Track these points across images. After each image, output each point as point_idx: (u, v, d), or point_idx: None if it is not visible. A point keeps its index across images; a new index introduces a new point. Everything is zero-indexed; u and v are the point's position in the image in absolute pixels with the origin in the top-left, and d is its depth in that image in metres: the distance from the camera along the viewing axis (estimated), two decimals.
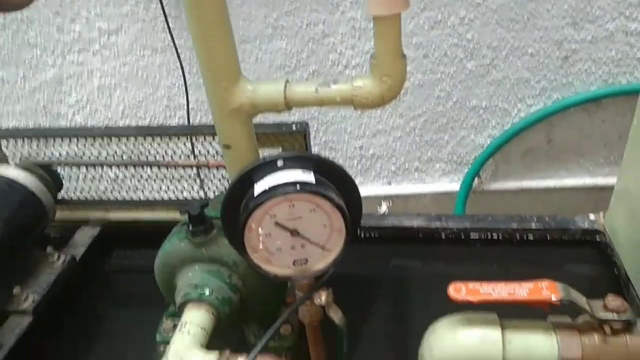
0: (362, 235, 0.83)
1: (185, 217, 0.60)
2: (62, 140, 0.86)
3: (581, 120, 1.36)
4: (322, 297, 0.56)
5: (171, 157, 0.83)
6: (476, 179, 1.46)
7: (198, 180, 0.90)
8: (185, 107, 1.39)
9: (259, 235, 0.51)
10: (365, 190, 1.51)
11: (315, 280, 0.56)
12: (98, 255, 0.89)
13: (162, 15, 1.27)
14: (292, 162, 0.51)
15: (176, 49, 1.28)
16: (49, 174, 0.83)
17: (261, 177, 0.51)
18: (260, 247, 0.52)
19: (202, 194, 0.90)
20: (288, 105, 0.48)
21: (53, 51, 1.39)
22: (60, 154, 0.85)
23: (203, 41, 0.44)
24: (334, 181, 0.52)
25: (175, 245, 0.61)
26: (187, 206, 0.57)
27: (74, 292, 0.83)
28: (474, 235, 0.82)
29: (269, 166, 0.51)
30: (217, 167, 0.79)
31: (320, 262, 0.53)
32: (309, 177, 0.50)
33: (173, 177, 0.88)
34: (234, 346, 0.55)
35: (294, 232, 0.51)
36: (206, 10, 0.43)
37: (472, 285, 0.56)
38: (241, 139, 0.50)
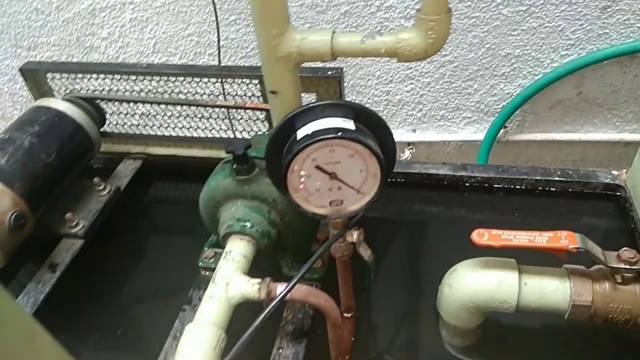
0: (389, 180, 0.87)
1: (229, 156, 0.64)
2: (104, 76, 0.90)
3: (613, 73, 1.34)
4: (354, 235, 0.61)
5: (209, 96, 0.86)
6: (502, 129, 1.47)
7: (227, 121, 0.93)
8: (216, 44, 1.40)
9: (300, 177, 0.55)
10: None
11: (348, 219, 0.61)
12: (139, 186, 0.94)
13: None
14: (333, 109, 0.54)
15: None
16: (94, 108, 0.87)
17: (304, 123, 0.55)
18: (301, 187, 0.56)
19: (230, 133, 0.94)
20: (334, 56, 0.50)
21: None
22: (103, 89, 0.89)
23: None
24: (372, 128, 0.55)
25: (219, 182, 0.65)
26: (232, 146, 0.61)
27: (119, 219, 0.89)
28: (497, 185, 0.85)
29: (312, 112, 0.54)
30: (253, 109, 0.82)
31: (355, 204, 0.57)
32: (349, 124, 0.54)
33: (210, 116, 0.92)
34: (270, 275, 0.61)
35: (333, 175, 0.55)
36: None
37: (495, 231, 0.60)
38: (287, 85, 0.53)
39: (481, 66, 1.38)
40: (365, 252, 0.62)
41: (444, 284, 0.67)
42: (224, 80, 0.84)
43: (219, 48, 1.37)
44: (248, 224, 0.63)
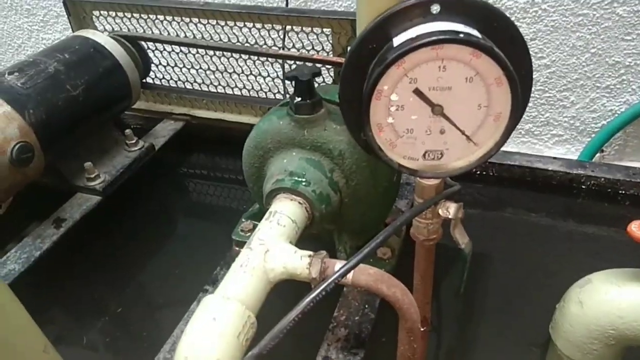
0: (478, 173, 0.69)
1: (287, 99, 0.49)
2: (155, 17, 0.78)
3: None
4: (451, 210, 0.43)
5: (270, 47, 0.72)
6: (598, 153, 1.25)
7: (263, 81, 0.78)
8: None
9: (390, 105, 0.39)
10: None
11: (444, 183, 0.43)
12: (177, 151, 0.81)
13: None
14: (449, 9, 0.38)
15: None
16: (138, 51, 0.75)
17: (404, 29, 0.38)
18: (388, 121, 0.39)
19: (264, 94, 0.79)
20: None
21: None
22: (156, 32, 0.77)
23: None
24: (504, 45, 0.38)
25: (273, 123, 0.50)
26: (295, 71, 0.45)
27: (146, 182, 0.75)
28: (623, 191, 0.65)
29: (417, 12, 0.38)
30: (324, 63, 0.67)
31: (461, 158, 0.40)
32: (474, 32, 0.37)
33: (268, 74, 0.77)
34: None
35: (437, 109, 0.38)
36: None
37: None
38: None
39: (582, 74, 1.18)
40: (462, 238, 0.44)
41: (569, 300, 0.47)
42: (286, 28, 0.70)
43: None
44: (303, 181, 0.47)
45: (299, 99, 0.47)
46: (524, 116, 1.13)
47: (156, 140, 0.78)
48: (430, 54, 0.36)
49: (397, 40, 0.38)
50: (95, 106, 0.68)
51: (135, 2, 0.75)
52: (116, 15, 0.79)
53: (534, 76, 1.17)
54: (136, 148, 0.73)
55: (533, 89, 1.24)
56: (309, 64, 0.46)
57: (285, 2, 1.14)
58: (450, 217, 0.43)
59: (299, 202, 0.47)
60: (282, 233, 0.44)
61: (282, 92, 0.77)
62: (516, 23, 1.28)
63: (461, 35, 0.35)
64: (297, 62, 0.69)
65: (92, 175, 0.67)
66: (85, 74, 0.66)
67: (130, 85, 0.72)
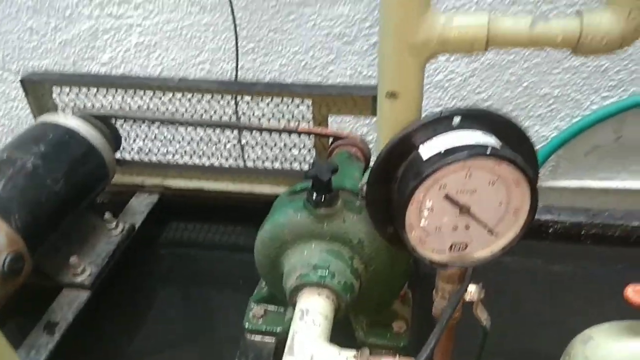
0: None
1: (295, 185, 0.50)
2: (122, 92, 0.75)
3: None
4: (473, 292, 0.46)
5: (249, 118, 0.73)
6: None
7: (267, 149, 0.79)
8: (230, 73, 1.28)
9: (422, 210, 0.41)
10: None
11: (465, 270, 0.47)
12: (155, 226, 0.78)
13: None
14: (469, 120, 0.41)
15: (232, 7, 1.16)
16: (109, 128, 0.72)
17: (429, 138, 0.41)
18: (421, 224, 0.42)
19: (268, 164, 0.80)
20: (488, 44, 0.38)
21: (91, 1, 1.26)
22: (120, 107, 0.74)
23: None
24: (515, 149, 0.42)
25: (290, 216, 0.50)
26: (314, 169, 0.47)
27: (132, 264, 0.72)
28: (586, 231, 0.73)
29: (441, 124, 0.41)
30: (310, 134, 0.69)
31: (484, 249, 0.44)
32: (492, 141, 0.41)
33: (247, 142, 0.78)
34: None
35: (464, 209, 0.41)
36: None
37: None
38: (413, 85, 0.40)
39: (516, 106, 1.29)
40: (483, 315, 0.48)
41: (576, 356, 0.52)
42: (236, 98, 0.70)
43: (236, 73, 1.25)
44: (328, 273, 0.48)
45: (317, 196, 0.48)
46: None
47: (134, 218, 0.75)
48: (460, 166, 0.39)
49: (423, 150, 0.41)
50: (77, 196, 0.65)
51: (101, 80, 0.72)
52: (79, 90, 0.76)
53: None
54: (117, 232, 0.70)
55: None
56: (326, 161, 0.47)
57: (234, 77, 1.15)
58: (473, 299, 0.46)
59: (326, 296, 0.48)
60: (320, 333, 0.45)
61: (260, 160, 0.78)
62: (455, 62, 1.35)
63: (488, 151, 0.39)
64: (283, 133, 0.70)
65: (78, 270, 0.64)
66: (64, 165, 0.63)
67: (106, 165, 0.70)
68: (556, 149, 1.32)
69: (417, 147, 0.41)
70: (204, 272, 0.75)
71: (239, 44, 1.24)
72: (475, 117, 0.42)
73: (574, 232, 0.73)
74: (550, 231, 0.73)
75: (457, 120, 0.41)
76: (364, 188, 0.45)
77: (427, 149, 0.41)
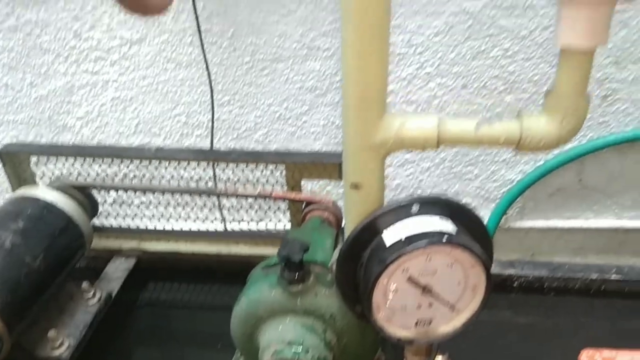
0: None
1: (270, 259, 0.52)
2: (99, 161, 0.77)
3: (613, 161, 1.34)
4: None
5: (225, 183, 0.75)
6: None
7: (243, 212, 0.82)
8: (206, 124, 1.31)
9: (387, 292, 0.44)
10: None
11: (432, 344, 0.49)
12: (133, 290, 0.79)
13: (191, 27, 1.19)
14: (427, 206, 0.45)
15: (206, 63, 1.20)
16: (86, 197, 0.74)
17: (391, 223, 0.45)
18: (387, 305, 0.45)
19: (244, 225, 0.83)
20: (439, 143, 0.42)
21: (67, 58, 1.29)
22: (97, 174, 0.76)
23: (360, 61, 0.37)
24: (467, 227, 0.46)
25: (264, 293, 0.53)
26: (287, 249, 0.50)
27: (110, 329, 0.73)
28: (549, 284, 0.77)
29: (401, 211, 0.45)
30: (284, 199, 0.71)
31: (447, 324, 0.47)
32: (449, 226, 0.44)
33: (223, 206, 0.80)
34: None
35: (426, 289, 0.45)
36: (369, 28, 0.36)
37: (608, 353, 0.50)
38: (374, 178, 0.44)
39: (482, 151, 1.34)
40: None
41: None
42: (214, 164, 0.74)
43: (212, 131, 1.28)
44: (302, 350, 0.50)
45: (290, 274, 0.51)
46: (437, 189, 1.25)
47: (110, 285, 0.76)
48: (420, 252, 0.43)
49: (386, 236, 0.44)
50: (56, 270, 0.66)
51: (80, 151, 0.74)
52: (57, 160, 0.77)
53: (442, 155, 1.32)
54: (94, 301, 0.71)
55: (442, 165, 1.39)
56: (298, 240, 0.50)
57: (210, 145, 1.18)
58: None
59: None
60: None
61: (235, 221, 0.80)
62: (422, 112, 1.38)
63: (445, 239, 0.42)
64: (255, 198, 0.73)
65: (57, 344, 0.64)
66: (43, 241, 0.64)
67: (84, 236, 0.71)
68: (522, 191, 1.37)
69: (381, 232, 0.45)
70: (183, 333, 0.76)
71: (214, 98, 1.28)
72: (432, 203, 0.45)
73: (537, 285, 0.77)
74: (514, 285, 0.77)
75: (415, 208, 0.44)
76: (334, 267, 0.48)
77: (390, 235, 0.44)
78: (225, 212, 0.81)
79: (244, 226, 0.81)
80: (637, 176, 1.35)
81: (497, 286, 0.79)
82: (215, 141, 1.35)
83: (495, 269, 0.77)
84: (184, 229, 0.80)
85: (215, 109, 1.29)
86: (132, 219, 0.82)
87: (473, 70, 1.22)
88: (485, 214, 1.43)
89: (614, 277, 0.76)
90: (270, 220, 0.80)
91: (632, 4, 0.95)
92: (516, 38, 1.17)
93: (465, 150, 1.33)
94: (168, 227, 0.81)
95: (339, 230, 0.69)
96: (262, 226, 0.81)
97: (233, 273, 0.76)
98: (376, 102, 0.41)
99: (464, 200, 1.44)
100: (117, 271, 0.79)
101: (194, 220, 0.81)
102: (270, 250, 0.78)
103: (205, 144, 1.36)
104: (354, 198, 0.45)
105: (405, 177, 1.39)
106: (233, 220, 0.81)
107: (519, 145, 0.41)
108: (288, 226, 0.78)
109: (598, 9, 0.32)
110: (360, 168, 0.43)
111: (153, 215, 0.81)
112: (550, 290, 0.77)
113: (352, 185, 0.44)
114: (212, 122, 1.28)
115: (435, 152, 1.34)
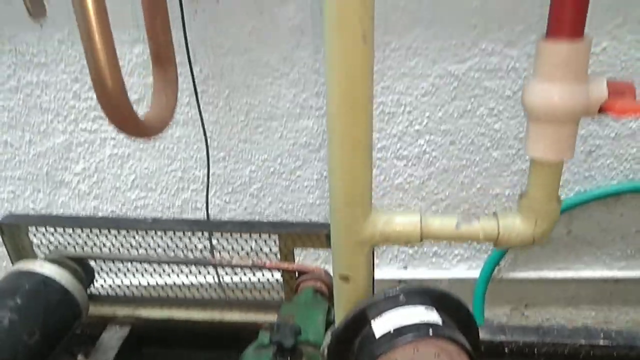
0: None
1: (265, 335, 0.54)
2: (96, 231, 0.79)
3: (600, 213, 1.37)
4: None
5: (219, 252, 0.77)
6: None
7: (212, 279, 0.83)
8: (202, 179, 1.34)
9: None
10: (380, 273, 1.47)
11: None
12: (129, 357, 0.80)
13: (188, 89, 1.24)
14: (413, 296, 0.47)
15: (202, 122, 1.24)
16: (82, 268, 0.75)
17: (379, 314, 0.46)
18: None
19: (239, 293, 0.84)
20: (422, 239, 0.44)
21: (66, 117, 1.32)
22: (94, 244, 0.78)
23: (346, 163, 0.40)
24: (454, 317, 0.48)
25: None
26: (279, 335, 0.51)
27: None
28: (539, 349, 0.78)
29: (389, 301, 0.47)
30: (278, 269, 0.73)
31: None
32: (434, 316, 0.46)
33: (217, 273, 0.81)
34: None
35: None
36: (356, 133, 0.39)
37: None
38: (362, 270, 0.46)
39: (472, 204, 1.37)
40: None
41: None
42: (210, 234, 0.76)
43: (207, 202, 1.31)
44: None
45: (281, 357, 0.52)
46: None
47: (106, 355, 0.77)
48: (408, 345, 0.44)
49: (376, 326, 0.46)
50: (52, 343, 0.66)
51: (77, 222, 0.76)
52: (55, 230, 0.79)
53: (433, 209, 1.34)
54: None
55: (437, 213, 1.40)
56: (289, 324, 0.51)
57: (206, 215, 1.21)
58: None
59: None
60: None
61: (230, 289, 0.81)
62: (412, 167, 1.45)
63: (431, 332, 0.44)
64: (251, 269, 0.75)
65: None
66: (40, 317, 0.65)
67: (80, 306, 0.72)
68: None
69: (370, 322, 0.46)
70: None
71: (210, 154, 1.31)
72: (418, 293, 0.47)
73: (527, 350, 0.78)
74: (506, 351, 0.78)
75: (402, 298, 0.46)
76: (325, 352, 0.49)
77: (379, 326, 0.46)
78: (220, 279, 0.83)
79: (239, 294, 0.82)
80: (625, 228, 1.38)
81: (489, 353, 0.80)
82: (210, 195, 1.38)
83: (486, 336, 0.78)
84: (178, 296, 0.82)
85: (210, 165, 1.32)
86: (128, 287, 0.83)
87: (460, 127, 1.26)
88: (478, 265, 1.45)
89: (602, 342, 0.77)
90: (264, 288, 0.82)
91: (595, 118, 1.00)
92: (500, 98, 1.22)
93: (455, 203, 1.36)
94: (163, 294, 0.82)
95: (332, 300, 0.70)
96: (256, 294, 0.82)
97: (227, 339, 0.77)
98: (362, 201, 0.43)
99: (457, 251, 1.46)
100: (111, 340, 0.79)
101: (189, 289, 0.82)
102: (264, 318, 0.79)
103: (200, 198, 1.38)
104: (343, 289, 0.47)
105: None
106: (227, 287, 0.82)
107: (497, 242, 0.43)
108: (282, 293, 0.79)
109: (562, 127, 0.35)
110: (348, 261, 0.45)
111: (148, 283, 0.82)
112: (540, 356, 0.78)
113: (341, 277, 0.46)
114: (207, 195, 1.30)
115: (426, 205, 1.37)
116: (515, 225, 0.42)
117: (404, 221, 0.44)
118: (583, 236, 1.39)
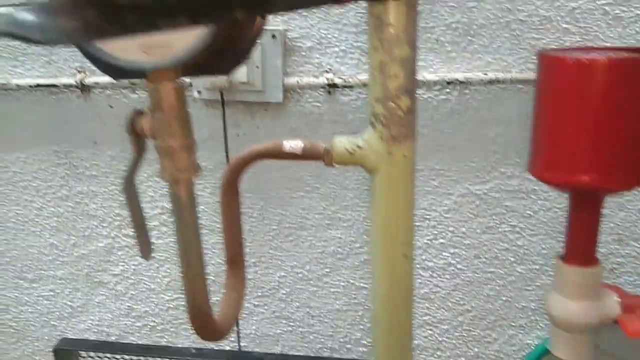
0: None
1: None
2: (140, 357, 0.84)
3: None
4: None
5: None
6: None
7: None
8: None
9: None
10: None
11: None
12: None
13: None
14: None
15: None
16: None
17: None
18: None
19: None
20: None
21: (110, 223, 1.42)
22: None
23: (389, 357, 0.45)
24: None
25: None
26: None
27: None
28: None
29: None
30: None
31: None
32: None
33: None
34: None
35: None
36: (398, 333, 0.44)
37: None
38: None
39: (499, 317, 1.39)
40: None
41: None
42: None
43: (238, 338, 1.35)
44: None
45: None
46: (457, 351, 1.28)
47: None
48: None
49: None
50: None
51: (126, 348, 0.82)
52: (104, 354, 0.84)
53: (459, 319, 1.35)
54: None
55: (461, 328, 1.41)
56: None
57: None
58: None
59: None
60: None
61: None
62: (438, 278, 1.47)
63: None
64: None
65: None
66: None
67: None
68: (540, 356, 1.39)
69: None
70: None
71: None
72: None
73: None
74: None
75: None
76: None
77: None
78: None
79: None
80: None
81: None
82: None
83: None
84: None
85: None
86: None
87: (484, 242, 1.31)
88: None
89: None
90: None
91: None
92: (522, 217, 1.27)
93: (481, 315, 1.38)
94: None
95: None
96: None
97: None
98: None
99: None
100: None
101: None
102: None
103: None
104: None
105: (424, 339, 1.43)
106: None
107: None
108: None
109: (581, 336, 0.40)
110: None
111: None
112: None
113: None
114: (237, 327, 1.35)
115: (452, 315, 1.39)
116: None
117: None
118: (612, 349, 1.38)
